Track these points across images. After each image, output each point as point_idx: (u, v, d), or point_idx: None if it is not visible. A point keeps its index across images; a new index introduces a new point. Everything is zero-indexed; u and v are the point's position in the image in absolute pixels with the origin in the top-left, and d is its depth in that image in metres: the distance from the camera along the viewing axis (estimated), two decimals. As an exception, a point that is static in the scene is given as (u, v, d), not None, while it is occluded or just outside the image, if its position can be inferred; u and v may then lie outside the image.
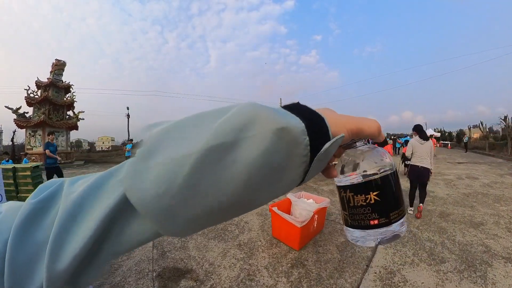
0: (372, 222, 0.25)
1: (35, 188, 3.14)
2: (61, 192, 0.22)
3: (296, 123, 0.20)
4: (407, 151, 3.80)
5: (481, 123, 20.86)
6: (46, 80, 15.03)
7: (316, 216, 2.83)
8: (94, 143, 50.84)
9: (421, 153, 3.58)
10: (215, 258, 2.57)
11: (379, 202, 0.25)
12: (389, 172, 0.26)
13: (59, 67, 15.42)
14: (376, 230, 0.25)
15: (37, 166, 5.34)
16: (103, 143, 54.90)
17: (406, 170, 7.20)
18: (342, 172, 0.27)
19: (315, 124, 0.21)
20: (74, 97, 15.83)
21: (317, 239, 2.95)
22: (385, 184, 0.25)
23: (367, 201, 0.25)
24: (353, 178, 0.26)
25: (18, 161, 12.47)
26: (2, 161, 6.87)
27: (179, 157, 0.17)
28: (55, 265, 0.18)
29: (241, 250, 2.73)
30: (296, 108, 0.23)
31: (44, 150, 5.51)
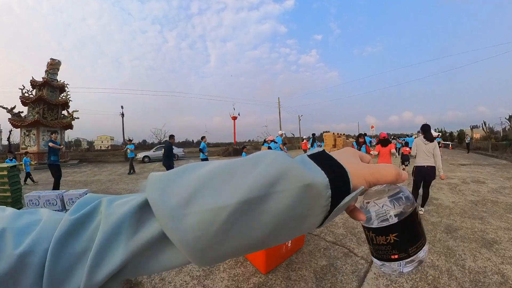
0: (392, 257, 0.27)
1: (11, 188, 4.13)
2: (98, 209, 0.24)
3: (321, 179, 0.21)
4: (412, 150, 3.73)
5: (484, 123, 20.02)
6: (41, 80, 14.66)
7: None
8: (93, 142, 50.30)
9: (425, 153, 3.49)
10: (169, 272, 2.14)
11: (398, 241, 0.26)
12: (408, 214, 0.26)
13: (54, 66, 15.04)
14: (398, 262, 0.27)
15: (14, 166, 4.91)
16: (102, 142, 54.10)
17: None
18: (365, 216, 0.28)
19: (338, 177, 0.22)
20: (69, 96, 15.44)
21: (293, 260, 2.36)
22: (403, 226, 0.26)
23: (388, 241, 0.27)
24: (375, 223, 0.27)
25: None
26: (6, 160, 6.71)
27: (216, 208, 0.20)
28: (92, 278, 0.21)
29: (200, 267, 2.20)
30: (321, 159, 0.24)
31: (47, 143, 5.51)
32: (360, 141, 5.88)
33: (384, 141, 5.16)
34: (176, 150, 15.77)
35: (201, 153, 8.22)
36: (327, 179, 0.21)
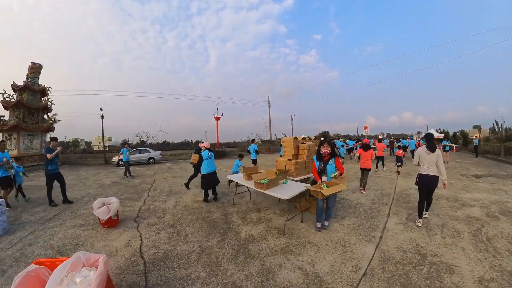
0: None
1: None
2: None
3: None
4: (414, 160, 3.44)
5: (496, 122, 16.83)
6: (22, 84, 13.45)
7: None
8: (91, 142, 48.37)
9: (429, 162, 3.21)
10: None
11: None
12: None
13: (35, 70, 13.80)
14: None
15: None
16: (99, 142, 53.03)
17: (398, 171, 7.01)
18: None
19: None
20: (50, 100, 14.16)
21: None
22: None
23: None
24: None
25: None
26: (14, 164, 5.75)
27: None
28: None
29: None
30: None
31: (45, 154, 4.77)
32: (321, 152, 3.12)
33: (365, 147, 5.42)
34: (153, 153, 14.07)
35: (252, 153, 8.33)
36: None
